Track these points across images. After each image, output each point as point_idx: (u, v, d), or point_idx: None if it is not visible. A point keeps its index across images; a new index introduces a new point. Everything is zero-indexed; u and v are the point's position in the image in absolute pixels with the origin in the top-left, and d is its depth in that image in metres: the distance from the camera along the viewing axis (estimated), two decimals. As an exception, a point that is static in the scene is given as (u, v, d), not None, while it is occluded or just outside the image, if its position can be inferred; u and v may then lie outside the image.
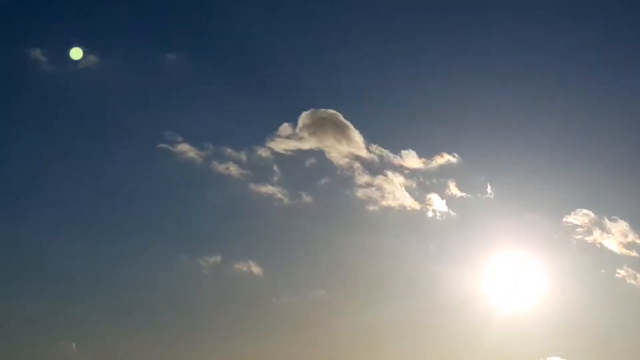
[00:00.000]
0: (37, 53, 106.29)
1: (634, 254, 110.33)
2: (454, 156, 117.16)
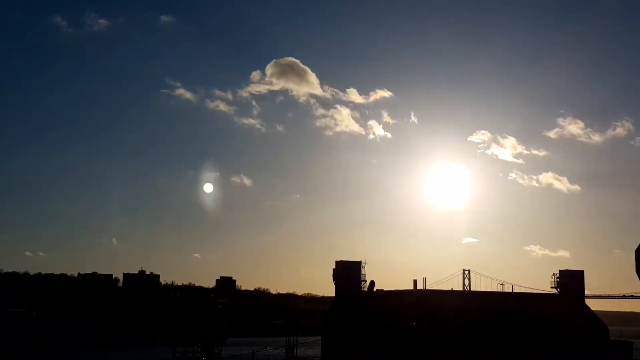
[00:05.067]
0: (58, 19, 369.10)
1: (520, 161, 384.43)
2: (385, 92, 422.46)
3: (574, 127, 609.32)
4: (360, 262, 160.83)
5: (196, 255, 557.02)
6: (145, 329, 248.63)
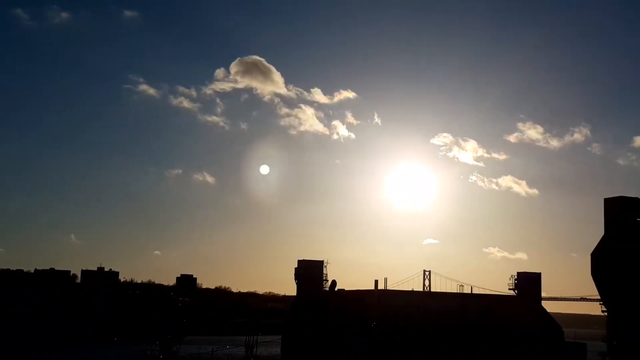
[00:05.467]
0: (19, 12, 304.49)
1: (481, 164, 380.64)
2: (349, 92, 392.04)
3: (533, 132, 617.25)
4: (322, 262, 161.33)
5: (157, 252, 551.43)
6: (103, 326, 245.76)
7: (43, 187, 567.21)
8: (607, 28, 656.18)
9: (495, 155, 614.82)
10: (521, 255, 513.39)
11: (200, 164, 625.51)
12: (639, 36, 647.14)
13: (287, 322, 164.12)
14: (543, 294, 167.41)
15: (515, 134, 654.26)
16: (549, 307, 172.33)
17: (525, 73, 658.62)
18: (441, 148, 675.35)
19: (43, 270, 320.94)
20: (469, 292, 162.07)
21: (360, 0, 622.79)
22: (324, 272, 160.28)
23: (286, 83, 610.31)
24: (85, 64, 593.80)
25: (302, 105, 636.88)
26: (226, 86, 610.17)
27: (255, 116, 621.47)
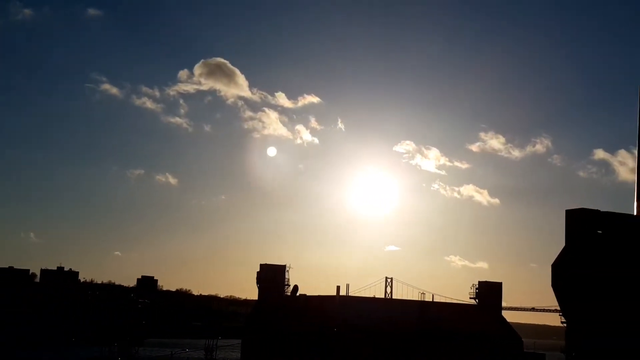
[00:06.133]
0: None
1: (443, 172, 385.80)
2: (313, 97, 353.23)
3: (495, 142, 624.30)
4: (284, 266, 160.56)
5: (117, 253, 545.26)
6: (62, 327, 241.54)
7: (2, 185, 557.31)
8: (568, 40, 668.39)
9: (457, 164, 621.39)
10: (482, 265, 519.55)
11: (162, 165, 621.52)
12: (601, 49, 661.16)
13: (247, 326, 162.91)
14: (503, 304, 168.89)
15: (478, 144, 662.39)
16: (509, 316, 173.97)
17: (488, 83, 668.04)
18: (404, 155, 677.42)
19: (2, 269, 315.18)
20: (430, 300, 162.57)
21: (326, 6, 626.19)
22: (286, 276, 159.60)
23: (250, 86, 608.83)
24: (47, 61, 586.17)
25: (266, 109, 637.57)
26: (190, 87, 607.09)
27: (219, 118, 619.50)
